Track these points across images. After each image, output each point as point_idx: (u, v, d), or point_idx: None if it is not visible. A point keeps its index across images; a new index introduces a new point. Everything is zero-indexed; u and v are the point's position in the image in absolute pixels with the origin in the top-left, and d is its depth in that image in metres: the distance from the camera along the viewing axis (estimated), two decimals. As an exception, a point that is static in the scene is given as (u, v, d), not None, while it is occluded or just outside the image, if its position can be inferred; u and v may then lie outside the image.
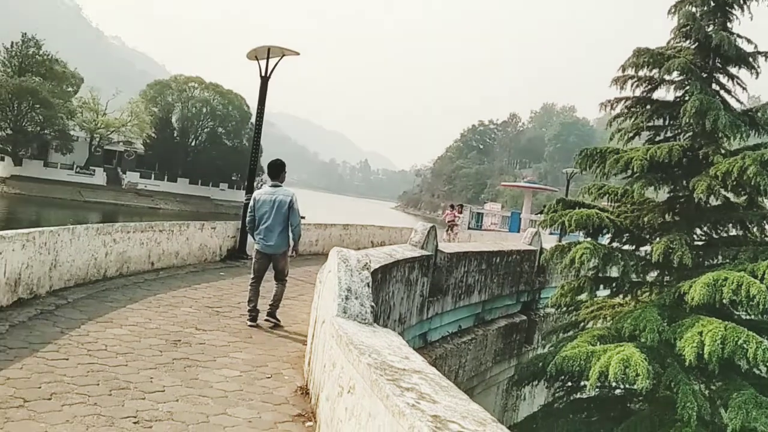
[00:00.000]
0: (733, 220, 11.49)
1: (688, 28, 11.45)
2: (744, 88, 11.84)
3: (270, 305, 8.27)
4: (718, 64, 11.76)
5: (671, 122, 11.94)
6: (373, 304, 5.19)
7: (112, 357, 6.09)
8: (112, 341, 6.60)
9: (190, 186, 76.96)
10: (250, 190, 13.32)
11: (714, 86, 11.67)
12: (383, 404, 2.96)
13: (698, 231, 11.71)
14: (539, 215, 17.25)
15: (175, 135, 78.90)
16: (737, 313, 10.33)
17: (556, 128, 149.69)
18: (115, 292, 9.13)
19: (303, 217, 9.11)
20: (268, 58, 13.74)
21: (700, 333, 8.92)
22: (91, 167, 69.93)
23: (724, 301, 9.23)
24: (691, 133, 11.44)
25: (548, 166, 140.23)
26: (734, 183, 10.24)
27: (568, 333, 12.30)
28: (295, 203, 8.11)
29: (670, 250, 10.32)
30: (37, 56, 65.71)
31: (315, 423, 4.95)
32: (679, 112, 10.97)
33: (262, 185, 9.93)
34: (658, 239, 11.05)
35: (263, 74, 13.84)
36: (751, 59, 11.44)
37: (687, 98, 10.99)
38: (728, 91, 11.80)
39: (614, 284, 11.89)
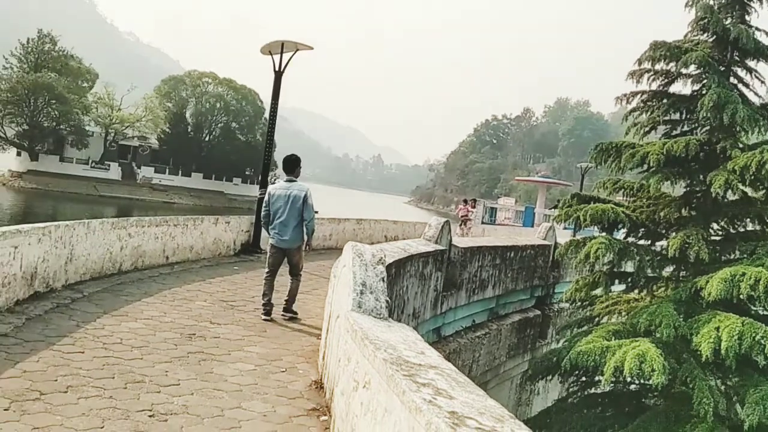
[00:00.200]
0: (750, 215, 11.35)
1: (706, 21, 11.28)
2: (762, 82, 11.68)
3: (286, 300, 8.33)
4: (736, 58, 11.59)
5: (688, 116, 11.80)
6: (387, 298, 5.17)
7: (128, 350, 6.12)
8: (128, 335, 6.64)
9: (204, 181, 77.37)
10: (263, 185, 13.32)
11: (732, 80, 11.51)
12: (399, 400, 2.94)
13: (715, 226, 11.58)
14: (553, 210, 17.14)
15: (189, 130, 79.22)
16: (755, 308, 10.20)
17: (570, 123, 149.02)
18: (131, 286, 9.19)
19: (317, 212, 9.12)
20: (282, 53, 13.72)
21: (717, 328, 8.83)
22: (106, 162, 70.35)
23: (741, 296, 9.09)
24: (708, 127, 11.30)
25: (562, 161, 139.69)
26: (752, 177, 10.09)
27: (583, 328, 12.22)
28: (309, 198, 8.12)
29: (687, 245, 10.23)
30: (52, 52, 66.22)
31: (330, 417, 4.95)
32: (697, 106, 10.84)
33: (276, 180, 9.95)
34: (674, 234, 10.94)
35: (277, 69, 13.82)
36: (769, 52, 11.29)
37: (704, 92, 10.85)
38: (746, 85, 11.64)
39: (629, 279, 11.80)
